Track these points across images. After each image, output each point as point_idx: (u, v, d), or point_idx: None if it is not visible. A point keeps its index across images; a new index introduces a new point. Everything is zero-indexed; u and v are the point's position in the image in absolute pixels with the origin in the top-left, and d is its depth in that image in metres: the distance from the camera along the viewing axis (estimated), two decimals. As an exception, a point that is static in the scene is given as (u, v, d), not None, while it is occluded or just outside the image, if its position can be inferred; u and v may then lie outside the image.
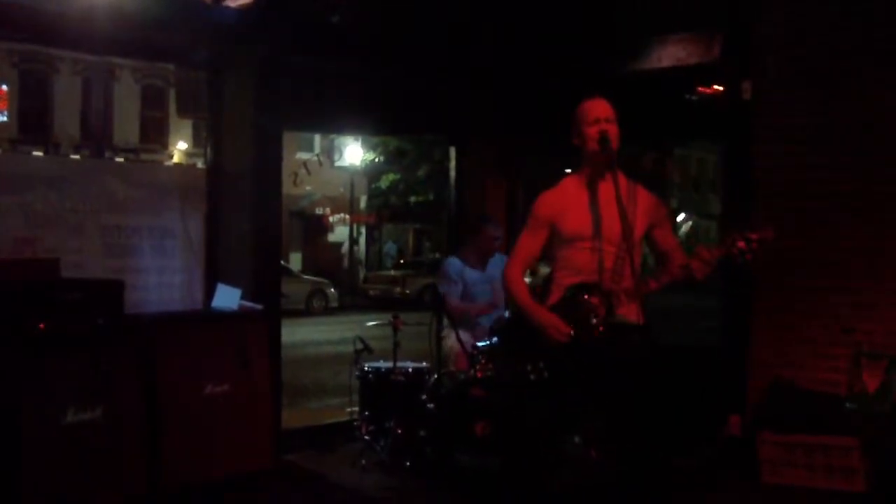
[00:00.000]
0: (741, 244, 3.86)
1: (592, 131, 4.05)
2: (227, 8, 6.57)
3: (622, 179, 4.02)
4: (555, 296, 4.13)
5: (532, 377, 4.01)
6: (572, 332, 3.97)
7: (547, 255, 4.22)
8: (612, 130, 4.06)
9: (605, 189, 4.05)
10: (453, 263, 6.84)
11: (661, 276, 4.02)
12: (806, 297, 6.11)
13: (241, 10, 6.51)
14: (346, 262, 33.57)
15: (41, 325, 4.85)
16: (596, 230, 4.04)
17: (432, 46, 7.49)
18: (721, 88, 7.25)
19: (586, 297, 4.02)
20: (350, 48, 7.11)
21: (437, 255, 29.08)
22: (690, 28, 6.99)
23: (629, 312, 4.03)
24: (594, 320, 3.99)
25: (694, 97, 7.86)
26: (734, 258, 3.88)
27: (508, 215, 8.53)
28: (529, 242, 4.19)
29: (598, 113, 4.09)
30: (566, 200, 4.14)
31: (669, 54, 7.14)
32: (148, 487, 5.20)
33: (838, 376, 5.86)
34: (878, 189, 5.88)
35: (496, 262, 6.73)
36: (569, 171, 4.30)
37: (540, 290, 4.22)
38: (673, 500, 5.11)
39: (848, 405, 5.67)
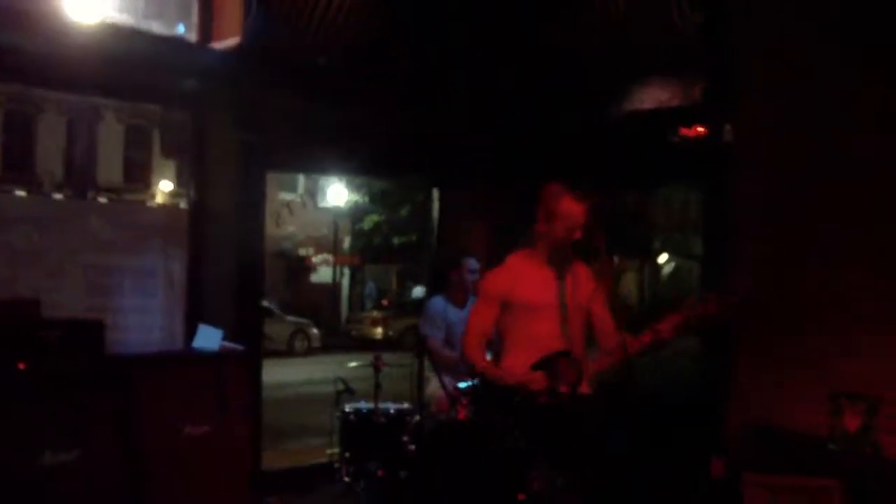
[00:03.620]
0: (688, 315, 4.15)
1: (575, 236, 4.21)
2: (212, 49, 6.61)
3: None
4: (510, 367, 4.25)
5: (503, 439, 4.07)
6: (549, 389, 4.08)
7: (499, 328, 4.36)
8: (577, 237, 4.26)
9: (554, 266, 4.30)
10: (436, 304, 6.84)
11: (633, 345, 4.19)
12: (785, 340, 6.12)
13: (227, 52, 6.55)
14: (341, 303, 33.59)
15: (20, 365, 4.81)
16: (549, 300, 4.23)
17: (414, 89, 7.54)
18: (703, 130, 7.31)
19: (557, 365, 4.13)
20: (333, 90, 7.15)
21: (423, 292, 29.00)
22: (672, 70, 7.06)
23: (583, 377, 4.22)
24: (564, 388, 4.09)
25: (676, 139, 7.91)
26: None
27: (489, 256, 8.53)
28: (482, 318, 4.35)
29: (578, 219, 4.24)
30: (515, 275, 4.32)
31: (651, 96, 7.21)
32: (126, 530, 5.15)
33: (820, 417, 5.85)
34: (855, 234, 5.90)
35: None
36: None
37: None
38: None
39: (830, 446, 5.67)
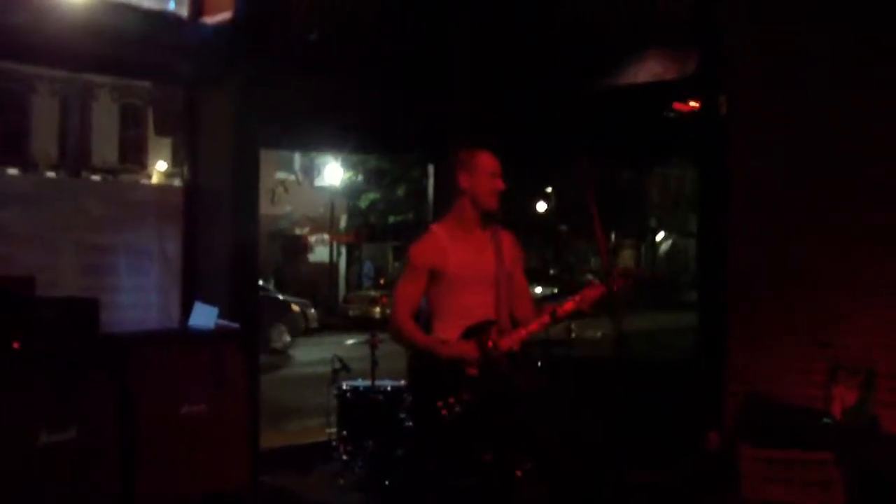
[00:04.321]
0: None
1: (494, 185, 4.27)
2: (205, 24, 6.56)
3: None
4: (443, 334, 4.27)
5: (444, 413, 4.07)
6: (480, 356, 4.12)
7: (428, 298, 4.35)
8: (502, 187, 4.31)
9: (480, 233, 4.32)
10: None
11: (556, 312, 4.23)
12: (781, 312, 6.13)
13: (219, 27, 6.50)
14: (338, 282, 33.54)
15: (15, 344, 4.80)
16: (478, 269, 4.27)
17: (410, 65, 7.50)
18: (696, 105, 7.29)
19: (485, 333, 4.18)
20: (328, 66, 7.10)
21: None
22: (666, 44, 7.02)
23: (515, 344, 4.25)
24: (494, 352, 4.15)
25: (671, 114, 7.89)
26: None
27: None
28: (410, 289, 4.29)
29: (496, 168, 4.31)
30: (442, 246, 4.30)
31: (646, 70, 7.18)
32: (123, 508, 5.15)
33: (815, 390, 5.86)
34: (850, 203, 5.90)
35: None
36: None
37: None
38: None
39: (825, 419, 5.69)
